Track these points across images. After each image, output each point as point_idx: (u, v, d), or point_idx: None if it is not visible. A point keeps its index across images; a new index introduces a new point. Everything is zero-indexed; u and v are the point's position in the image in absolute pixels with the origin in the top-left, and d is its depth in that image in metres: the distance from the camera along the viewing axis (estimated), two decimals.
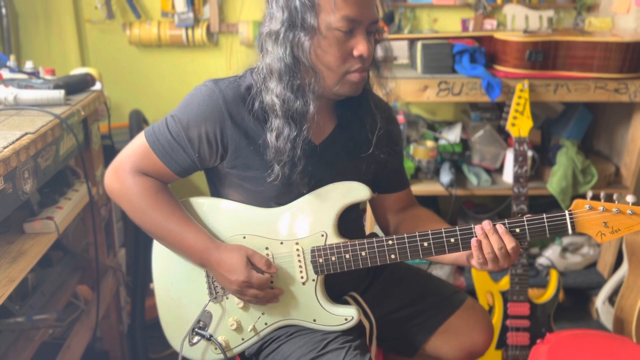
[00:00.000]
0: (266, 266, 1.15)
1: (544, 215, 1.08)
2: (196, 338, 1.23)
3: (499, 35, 2.04)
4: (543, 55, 1.95)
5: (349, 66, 1.08)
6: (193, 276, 1.24)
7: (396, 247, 1.14)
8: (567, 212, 1.08)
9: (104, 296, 1.81)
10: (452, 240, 1.11)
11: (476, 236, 1.09)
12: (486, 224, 1.08)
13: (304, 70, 1.08)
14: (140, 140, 1.17)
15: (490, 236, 1.08)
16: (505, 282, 1.95)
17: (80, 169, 1.77)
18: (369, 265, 1.16)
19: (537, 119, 2.31)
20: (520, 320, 1.93)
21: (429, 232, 1.12)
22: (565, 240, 2.41)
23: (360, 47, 1.06)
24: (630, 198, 1.07)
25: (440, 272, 2.29)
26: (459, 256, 1.17)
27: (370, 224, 2.10)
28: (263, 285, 1.14)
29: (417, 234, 1.13)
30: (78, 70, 1.97)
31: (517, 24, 2.42)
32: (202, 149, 1.14)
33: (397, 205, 1.36)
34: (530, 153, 2.17)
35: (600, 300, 2.30)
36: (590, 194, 1.09)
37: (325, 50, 1.06)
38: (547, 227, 1.08)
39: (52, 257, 1.70)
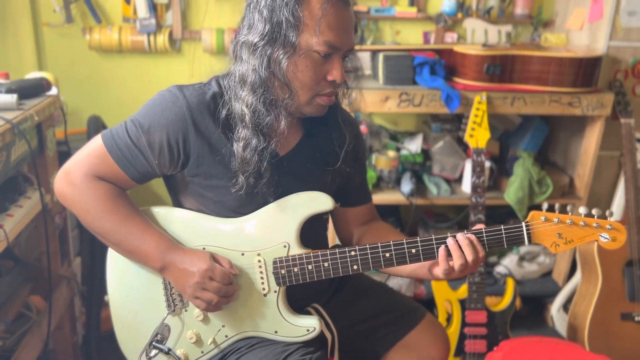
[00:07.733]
0: (228, 265, 1.14)
1: (502, 227, 1.11)
2: (154, 352, 1.19)
3: (458, 48, 2.08)
4: (501, 69, 2.00)
5: (320, 89, 1.10)
6: (150, 289, 1.21)
7: (359, 257, 1.14)
8: (523, 224, 1.11)
9: (56, 307, 1.75)
10: (414, 251, 1.13)
11: (446, 246, 1.11)
12: (461, 236, 1.10)
13: (277, 86, 1.08)
14: (96, 144, 1.13)
15: (465, 247, 1.10)
16: (463, 291, 1.97)
17: (34, 175, 1.72)
18: (332, 276, 1.16)
19: (495, 130, 2.37)
20: (477, 328, 1.96)
21: (391, 242, 1.13)
22: (523, 249, 2.47)
23: (334, 73, 1.08)
24: (582, 210, 1.10)
25: (401, 280, 2.31)
26: (418, 267, 1.18)
27: (332, 237, 2.10)
28: (225, 277, 1.11)
29: (379, 244, 1.13)
30: (33, 74, 1.92)
31: (477, 37, 2.47)
32: (163, 155, 1.11)
33: (360, 219, 1.36)
34: (488, 164, 2.21)
35: (555, 308, 2.36)
36: (545, 205, 1.12)
37: (301, 70, 1.06)
38: (504, 238, 1.11)
39: (2, 267, 1.65)
